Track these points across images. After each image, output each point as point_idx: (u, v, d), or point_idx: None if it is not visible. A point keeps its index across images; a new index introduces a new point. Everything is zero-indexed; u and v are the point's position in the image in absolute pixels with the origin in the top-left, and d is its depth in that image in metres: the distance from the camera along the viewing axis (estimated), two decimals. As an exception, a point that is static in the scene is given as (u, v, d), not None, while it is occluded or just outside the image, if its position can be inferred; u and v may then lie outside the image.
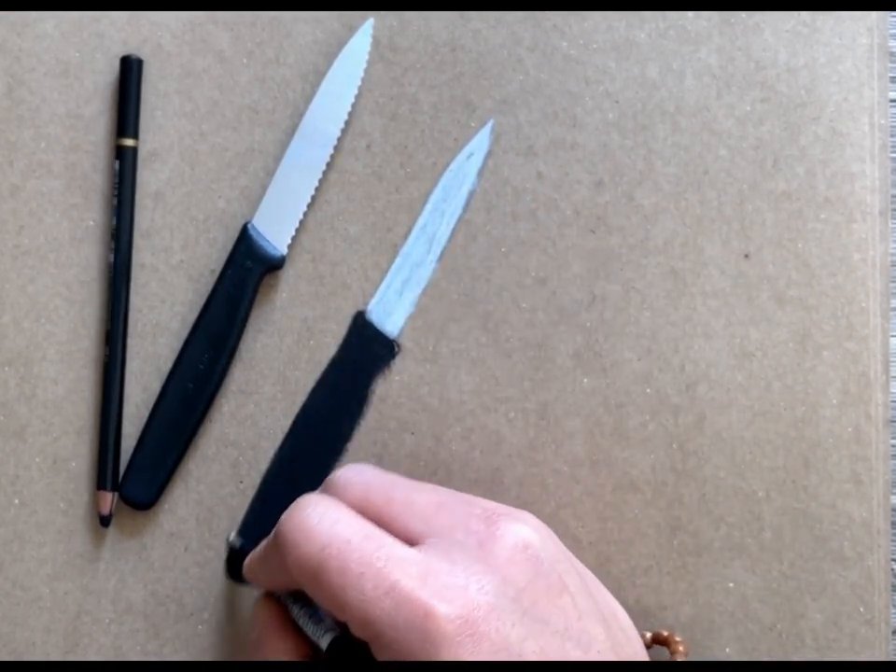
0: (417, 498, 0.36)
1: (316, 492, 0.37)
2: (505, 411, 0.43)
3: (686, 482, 0.43)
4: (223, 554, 0.42)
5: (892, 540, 0.43)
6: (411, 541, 0.35)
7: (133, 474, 0.42)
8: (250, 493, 0.43)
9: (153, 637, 0.42)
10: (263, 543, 0.38)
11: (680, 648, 0.40)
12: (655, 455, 0.43)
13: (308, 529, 0.34)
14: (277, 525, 0.35)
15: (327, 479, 0.38)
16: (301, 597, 0.37)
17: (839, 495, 0.43)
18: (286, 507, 0.42)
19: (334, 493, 0.37)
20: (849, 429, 0.43)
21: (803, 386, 0.43)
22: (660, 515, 0.43)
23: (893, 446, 0.43)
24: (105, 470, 0.42)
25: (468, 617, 0.32)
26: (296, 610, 0.37)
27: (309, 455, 0.43)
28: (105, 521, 0.42)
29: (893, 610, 0.43)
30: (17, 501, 0.42)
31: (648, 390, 0.43)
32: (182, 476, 0.42)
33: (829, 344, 0.43)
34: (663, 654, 0.41)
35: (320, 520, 0.35)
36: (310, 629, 0.36)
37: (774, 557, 0.43)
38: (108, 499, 0.42)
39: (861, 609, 0.42)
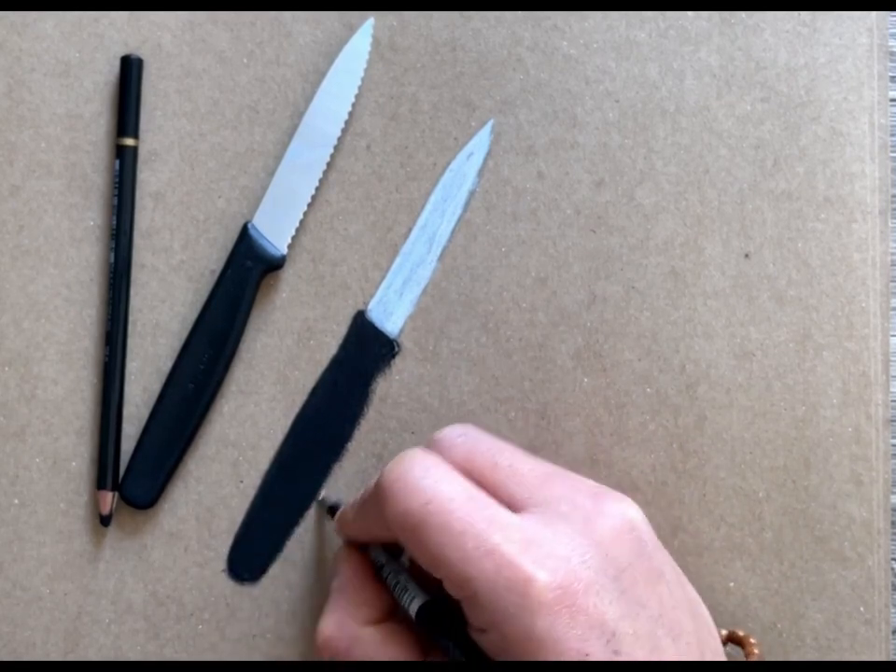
0: (523, 467, 0.36)
1: (419, 448, 0.37)
2: (505, 411, 0.43)
3: (686, 482, 0.43)
4: (223, 555, 0.42)
5: (892, 540, 0.43)
6: (513, 508, 0.34)
7: (133, 474, 0.42)
8: (250, 493, 0.43)
9: (153, 637, 0.42)
10: (360, 495, 0.38)
11: (756, 651, 0.40)
12: (655, 455, 0.43)
13: (411, 483, 0.34)
14: (379, 476, 0.35)
15: (430, 437, 0.37)
16: (388, 558, 0.38)
17: (839, 495, 0.43)
18: (286, 506, 0.42)
19: (438, 451, 0.36)
20: (849, 429, 0.43)
21: (803, 386, 0.43)
22: (660, 515, 0.43)
23: (893, 446, 0.43)
24: (105, 470, 0.42)
25: (567, 588, 0.32)
26: (385, 571, 0.37)
27: (309, 455, 0.43)
28: (105, 521, 0.42)
29: (893, 610, 0.43)
30: (17, 501, 0.42)
31: (648, 390, 0.43)
32: (182, 476, 0.42)
33: (829, 344, 0.43)
34: (736, 654, 0.41)
35: (424, 475, 0.34)
36: (397, 592, 0.37)
37: (774, 557, 0.43)
38: (108, 499, 0.42)
39: (861, 609, 0.42)
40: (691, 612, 0.35)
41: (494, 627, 0.32)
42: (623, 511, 0.35)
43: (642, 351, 0.43)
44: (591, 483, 0.36)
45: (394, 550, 0.39)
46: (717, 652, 0.36)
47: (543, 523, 0.34)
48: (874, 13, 0.44)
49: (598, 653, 0.32)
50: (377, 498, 0.35)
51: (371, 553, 0.39)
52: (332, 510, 0.41)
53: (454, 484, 0.34)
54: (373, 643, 0.36)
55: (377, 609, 0.37)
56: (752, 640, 0.40)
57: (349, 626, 0.36)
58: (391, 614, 0.37)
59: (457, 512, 0.33)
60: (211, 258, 0.43)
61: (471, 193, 0.44)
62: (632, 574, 0.34)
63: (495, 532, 0.33)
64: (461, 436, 0.37)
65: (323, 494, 0.42)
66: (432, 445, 0.37)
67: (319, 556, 0.42)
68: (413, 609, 0.36)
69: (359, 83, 0.43)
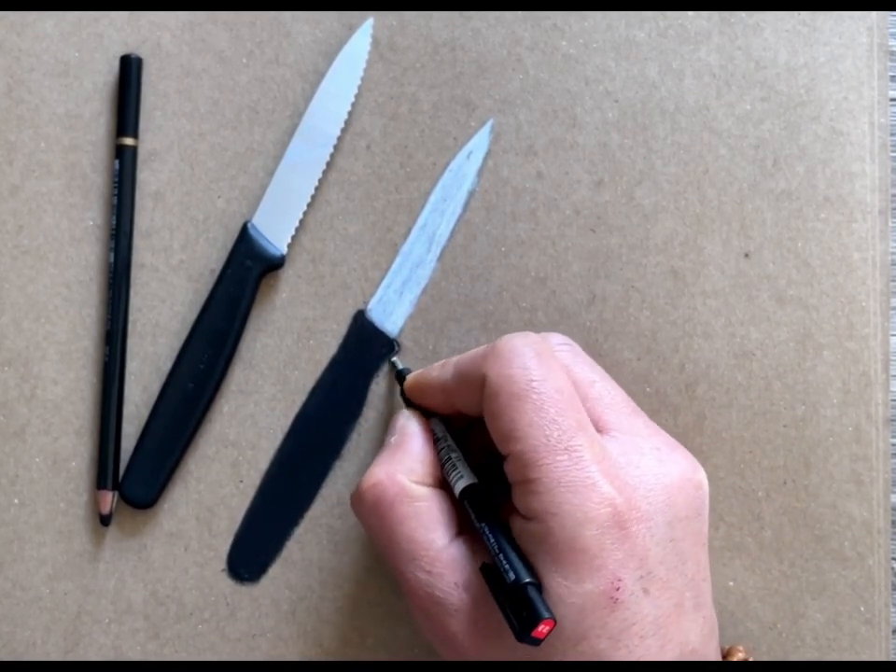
0: (618, 395, 0.37)
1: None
2: (505, 410, 0.43)
3: (686, 481, 0.43)
4: (223, 555, 0.42)
5: (892, 540, 0.43)
6: (598, 429, 0.35)
7: (133, 474, 0.42)
8: (250, 493, 0.43)
9: (153, 637, 0.42)
10: (459, 357, 0.38)
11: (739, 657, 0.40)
12: (655, 454, 0.43)
13: (525, 358, 0.35)
14: (497, 341, 0.36)
15: (540, 335, 0.38)
16: (445, 433, 0.38)
17: (839, 494, 0.43)
18: (286, 506, 0.42)
19: None
20: (850, 429, 0.43)
21: (803, 386, 0.43)
22: (660, 515, 0.43)
23: (893, 445, 0.43)
24: (105, 470, 0.42)
25: (624, 513, 0.33)
26: (440, 444, 0.38)
27: (309, 454, 0.43)
28: (105, 521, 0.42)
29: (893, 610, 0.43)
30: (17, 501, 0.42)
31: (648, 390, 0.43)
32: (182, 476, 0.42)
33: (829, 344, 0.43)
34: None
35: (539, 358, 0.35)
36: (447, 468, 0.37)
37: (774, 557, 0.43)
38: (108, 499, 0.42)
39: (861, 609, 0.42)
40: (711, 593, 0.36)
41: (542, 519, 0.33)
42: (696, 468, 0.36)
43: (642, 350, 0.43)
44: (670, 437, 0.37)
45: (451, 429, 0.39)
46: (718, 642, 0.37)
47: (622, 450, 0.35)
48: (874, 13, 0.44)
49: (629, 583, 0.33)
50: (484, 358, 0.36)
51: (433, 425, 0.39)
52: (400, 375, 0.42)
53: (561, 381, 0.35)
54: (421, 500, 0.36)
55: (429, 474, 0.37)
56: (740, 648, 0.40)
57: (400, 478, 0.37)
58: (439, 484, 0.38)
59: (557, 403, 0.34)
60: (211, 257, 0.43)
61: (471, 193, 0.44)
62: (685, 527, 0.35)
63: (581, 435, 0.34)
64: (566, 344, 0.38)
65: (395, 357, 0.43)
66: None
67: (390, 412, 0.43)
68: (458, 487, 0.36)
69: (359, 83, 0.43)
